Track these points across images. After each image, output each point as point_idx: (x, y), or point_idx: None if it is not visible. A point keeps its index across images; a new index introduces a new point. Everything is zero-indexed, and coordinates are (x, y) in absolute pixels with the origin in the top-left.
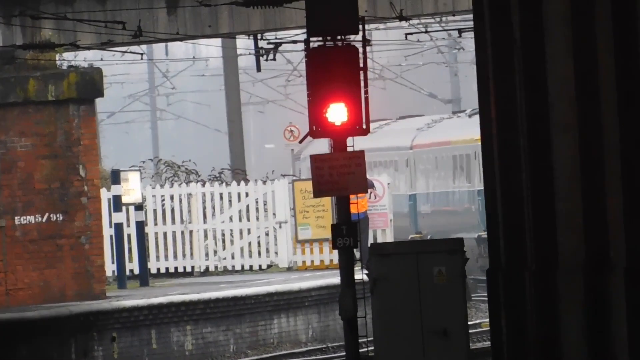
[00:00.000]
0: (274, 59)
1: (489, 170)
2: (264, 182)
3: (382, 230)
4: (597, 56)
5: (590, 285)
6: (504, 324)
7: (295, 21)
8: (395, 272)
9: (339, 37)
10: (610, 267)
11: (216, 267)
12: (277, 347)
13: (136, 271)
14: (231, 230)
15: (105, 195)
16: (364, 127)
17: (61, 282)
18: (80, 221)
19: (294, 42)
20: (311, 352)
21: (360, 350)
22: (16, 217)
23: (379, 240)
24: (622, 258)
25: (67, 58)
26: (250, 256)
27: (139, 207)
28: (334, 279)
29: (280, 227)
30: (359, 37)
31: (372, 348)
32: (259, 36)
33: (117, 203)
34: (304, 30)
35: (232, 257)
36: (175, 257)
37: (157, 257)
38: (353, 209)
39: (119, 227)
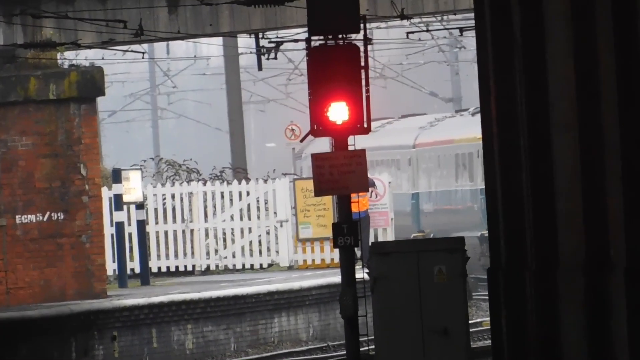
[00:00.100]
0: (275, 58)
1: (489, 169)
2: (265, 181)
3: (383, 229)
4: (598, 56)
5: (590, 285)
6: (504, 323)
7: (296, 20)
8: (395, 270)
9: (340, 36)
10: (610, 267)
11: (217, 266)
12: (277, 346)
13: (137, 270)
14: (232, 229)
15: (106, 194)
16: (365, 125)
17: (62, 281)
18: (81, 220)
19: (295, 40)
20: (312, 350)
21: (361, 349)
22: (17, 216)
23: (380, 239)
24: (622, 258)
25: (68, 57)
26: (251, 255)
27: (140, 206)
28: (335, 277)
29: (281, 225)
30: (360, 36)
31: (373, 347)
32: (260, 35)
33: (118, 202)
34: (305, 29)
35: (233, 256)
36: (176, 256)
37: (158, 256)
38: (354, 208)
39: (119, 226)
